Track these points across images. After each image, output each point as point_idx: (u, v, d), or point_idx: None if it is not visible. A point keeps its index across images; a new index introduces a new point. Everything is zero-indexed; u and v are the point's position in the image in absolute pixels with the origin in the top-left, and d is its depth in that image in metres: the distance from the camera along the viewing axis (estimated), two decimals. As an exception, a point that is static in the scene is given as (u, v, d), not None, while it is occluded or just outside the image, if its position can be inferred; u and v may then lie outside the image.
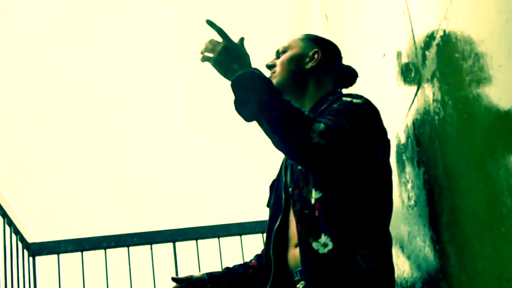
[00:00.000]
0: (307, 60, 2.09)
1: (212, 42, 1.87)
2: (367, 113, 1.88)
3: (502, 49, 1.37)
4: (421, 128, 1.91)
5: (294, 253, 1.92)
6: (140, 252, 4.16)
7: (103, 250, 4.22)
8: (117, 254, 4.22)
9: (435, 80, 1.78)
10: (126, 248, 4.22)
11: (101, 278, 4.14)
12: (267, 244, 2.02)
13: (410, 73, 1.98)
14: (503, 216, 1.41)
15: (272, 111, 1.74)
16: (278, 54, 2.15)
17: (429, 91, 1.82)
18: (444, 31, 1.68)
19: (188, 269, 4.18)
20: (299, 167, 1.90)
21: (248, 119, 1.80)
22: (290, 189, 1.94)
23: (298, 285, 1.89)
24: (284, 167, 2.07)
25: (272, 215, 2.05)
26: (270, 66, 2.14)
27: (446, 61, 1.70)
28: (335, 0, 2.92)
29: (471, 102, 1.56)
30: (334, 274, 1.74)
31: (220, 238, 4.40)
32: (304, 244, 1.82)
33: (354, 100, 1.88)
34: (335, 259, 1.75)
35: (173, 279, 2.21)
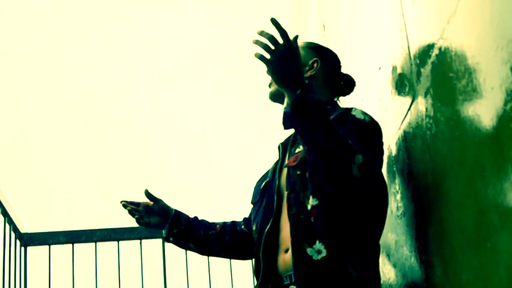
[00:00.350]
0: (306, 68, 2.11)
1: (273, 40, 1.75)
2: (379, 133, 1.91)
3: (495, 72, 1.41)
4: (413, 141, 1.95)
5: (284, 258, 1.93)
6: (130, 246, 4.18)
7: (93, 243, 4.24)
8: (107, 247, 4.25)
9: (428, 96, 1.82)
10: (116, 242, 4.25)
11: (91, 270, 4.16)
12: (257, 246, 2.04)
13: (404, 88, 2.01)
14: (489, 232, 1.45)
15: (327, 136, 1.73)
16: None
17: (422, 107, 1.86)
18: (440, 50, 1.72)
19: (176, 265, 4.21)
20: (298, 172, 1.91)
21: (288, 128, 1.78)
22: (286, 192, 1.95)
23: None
24: (278, 170, 2.10)
25: (263, 218, 2.05)
26: None
27: (440, 79, 1.74)
28: (333, 10, 2.95)
29: (463, 120, 1.60)
30: (326, 281, 1.77)
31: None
32: (298, 249, 1.84)
33: (367, 119, 1.89)
34: (328, 266, 1.78)
35: (147, 194, 2.28)
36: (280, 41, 1.76)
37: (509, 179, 1.36)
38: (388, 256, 2.18)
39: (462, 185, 1.60)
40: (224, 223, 2.34)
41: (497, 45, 1.41)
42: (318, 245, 1.80)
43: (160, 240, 4.19)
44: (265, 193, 2.12)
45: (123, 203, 2.31)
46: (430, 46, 1.79)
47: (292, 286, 1.89)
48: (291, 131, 2.20)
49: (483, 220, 1.48)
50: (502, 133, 1.39)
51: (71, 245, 4.20)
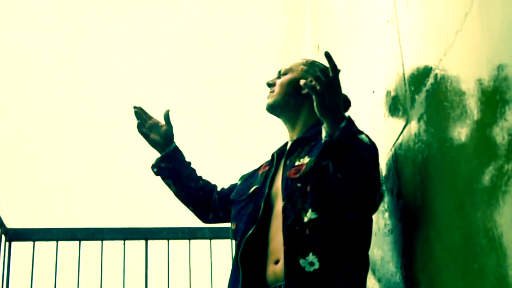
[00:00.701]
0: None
1: (324, 73, 1.83)
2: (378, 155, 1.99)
3: (490, 106, 1.49)
4: (404, 163, 2.03)
5: (274, 269, 1.95)
6: (113, 246, 4.21)
7: (77, 242, 4.26)
8: (91, 246, 4.27)
9: (422, 122, 1.89)
10: (100, 242, 4.28)
11: (73, 269, 4.18)
12: (236, 249, 2.06)
13: (397, 112, 2.09)
14: (477, 254, 1.52)
15: (363, 168, 1.84)
16: (280, 75, 2.23)
17: (415, 131, 1.94)
18: (435, 79, 1.80)
19: (158, 267, 4.24)
20: (299, 184, 1.95)
21: (328, 157, 1.87)
22: (281, 203, 1.97)
23: None
24: (269, 178, 2.11)
25: (247, 223, 2.07)
26: (270, 85, 2.23)
27: (434, 106, 1.81)
28: (329, 31, 3.03)
29: (456, 147, 1.67)
30: None
31: (191, 240, 4.49)
32: (290, 259, 1.87)
33: (369, 142, 1.94)
34: (319, 278, 1.83)
35: (166, 114, 2.38)
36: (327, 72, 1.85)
37: (499, 206, 1.43)
38: (373, 271, 2.25)
39: (452, 208, 1.68)
40: (207, 183, 2.42)
41: (491, 79, 1.49)
42: (311, 257, 1.85)
43: (143, 242, 4.23)
44: (253, 198, 2.13)
45: (136, 108, 2.38)
46: (426, 75, 1.87)
47: None
48: (283, 139, 2.27)
49: (472, 243, 1.56)
50: (494, 162, 1.47)
51: (55, 242, 4.23)
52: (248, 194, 2.17)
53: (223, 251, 4.46)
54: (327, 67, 1.86)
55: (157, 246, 4.26)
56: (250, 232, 2.02)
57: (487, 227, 1.48)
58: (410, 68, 2.01)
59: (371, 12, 2.38)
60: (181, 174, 2.36)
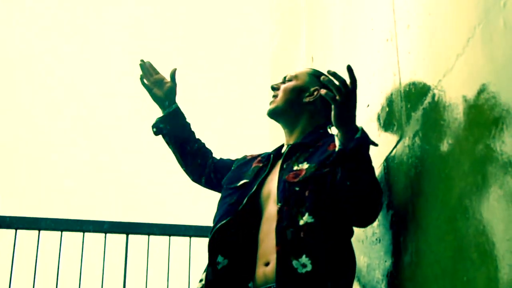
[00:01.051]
0: (307, 94, 2.23)
1: (344, 84, 1.90)
2: None
3: (487, 128, 1.56)
4: (396, 176, 2.10)
5: (264, 271, 1.97)
6: (94, 239, 4.23)
7: (59, 232, 4.27)
8: (72, 238, 4.28)
9: (417, 138, 1.97)
10: (82, 233, 4.29)
11: (54, 259, 4.18)
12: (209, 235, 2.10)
13: (392, 127, 2.16)
14: (467, 267, 1.59)
15: (372, 177, 1.94)
16: (284, 80, 2.29)
17: (409, 146, 2.01)
18: (433, 98, 1.87)
19: (137, 262, 4.27)
20: (297, 188, 1.99)
21: (340, 164, 1.93)
22: (278, 205, 1.99)
23: None
24: (261, 177, 2.14)
25: (224, 212, 2.10)
26: (274, 88, 2.28)
27: (431, 124, 1.88)
28: (324, 44, 3.09)
29: (450, 164, 1.75)
30: None
31: (171, 237, 4.53)
32: (283, 259, 1.90)
33: None
34: (310, 280, 1.88)
35: (172, 72, 2.42)
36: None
37: (491, 223, 1.51)
38: (358, 277, 2.31)
39: (443, 222, 1.75)
40: (203, 147, 2.46)
41: (489, 103, 1.56)
42: (304, 259, 1.89)
43: (124, 236, 4.25)
44: (239, 191, 2.16)
45: (142, 61, 2.42)
46: (424, 94, 1.94)
47: None
48: (279, 141, 2.31)
49: (462, 256, 1.63)
50: (487, 181, 1.54)
51: (37, 231, 4.23)
52: (236, 186, 2.20)
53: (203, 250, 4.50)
54: (344, 80, 1.92)
55: (138, 240, 4.29)
56: (223, 222, 2.06)
57: (479, 242, 1.55)
58: (407, 86, 2.07)
59: (369, 30, 2.45)
60: (178, 136, 2.42)
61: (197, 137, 2.47)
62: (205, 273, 2.05)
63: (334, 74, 1.90)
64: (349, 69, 1.91)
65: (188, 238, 4.53)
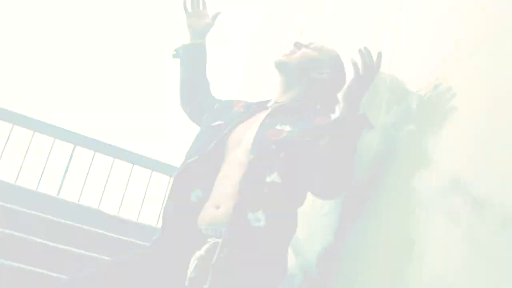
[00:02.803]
0: (317, 71, 2.16)
1: (371, 59, 1.93)
2: None
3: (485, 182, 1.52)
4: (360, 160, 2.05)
5: (214, 214, 1.90)
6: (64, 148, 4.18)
7: (32, 131, 4.20)
8: (42, 140, 4.22)
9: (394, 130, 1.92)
10: (52, 139, 4.24)
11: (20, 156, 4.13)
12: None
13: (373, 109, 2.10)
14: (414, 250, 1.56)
15: (354, 154, 1.91)
16: (309, 45, 2.21)
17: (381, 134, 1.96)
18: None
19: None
20: (274, 147, 1.92)
21: (356, 132, 1.91)
22: (250, 156, 1.92)
23: (209, 239, 1.90)
24: (237, 122, 2.08)
25: (195, 151, 2.05)
26: (297, 45, 2.20)
27: (408, 118, 1.84)
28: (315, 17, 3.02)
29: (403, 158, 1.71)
30: (254, 247, 1.81)
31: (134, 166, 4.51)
32: (240, 209, 1.84)
33: None
34: (260, 235, 1.81)
35: (214, 15, 2.44)
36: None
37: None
38: (294, 246, 2.25)
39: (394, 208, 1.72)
40: (207, 91, 2.41)
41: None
42: (260, 214, 1.82)
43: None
44: (213, 131, 2.10)
45: None
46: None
47: (212, 239, 1.85)
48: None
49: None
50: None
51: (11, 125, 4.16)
52: (212, 126, 2.13)
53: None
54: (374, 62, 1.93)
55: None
56: (191, 160, 2.01)
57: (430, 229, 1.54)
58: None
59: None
60: (188, 73, 2.40)
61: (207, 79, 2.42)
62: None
63: (368, 53, 1.91)
64: (379, 57, 1.93)
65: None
